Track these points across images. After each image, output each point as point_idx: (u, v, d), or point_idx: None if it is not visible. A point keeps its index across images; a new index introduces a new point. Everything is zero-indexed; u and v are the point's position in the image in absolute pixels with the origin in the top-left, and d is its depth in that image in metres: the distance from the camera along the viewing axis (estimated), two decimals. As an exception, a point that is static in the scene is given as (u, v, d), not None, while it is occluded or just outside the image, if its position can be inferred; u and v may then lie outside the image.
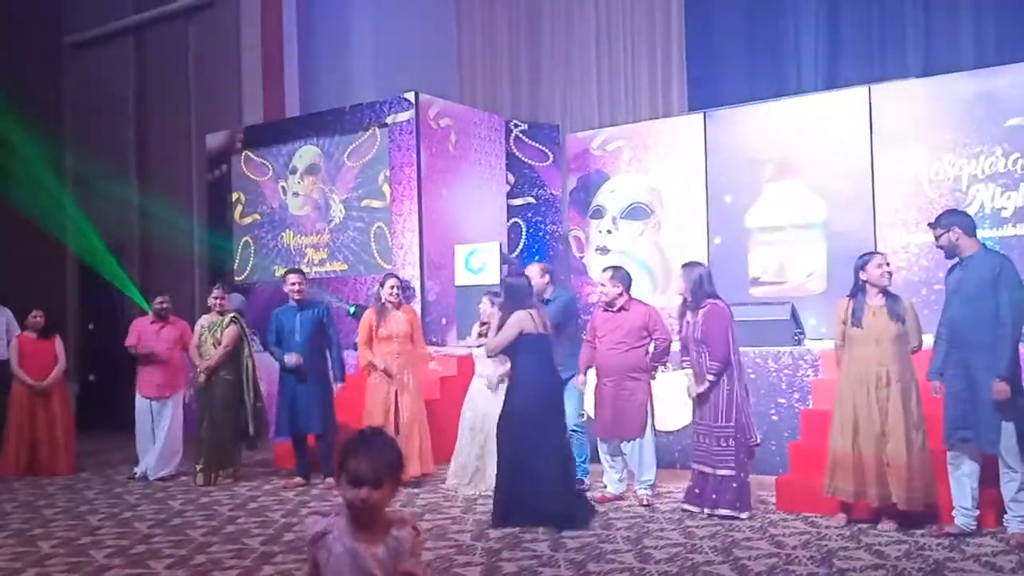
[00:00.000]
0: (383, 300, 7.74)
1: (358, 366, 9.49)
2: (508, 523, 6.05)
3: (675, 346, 6.94)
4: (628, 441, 6.68)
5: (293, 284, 8.03)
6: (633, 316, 6.73)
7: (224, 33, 13.01)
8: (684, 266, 6.53)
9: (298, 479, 7.93)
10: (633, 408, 6.63)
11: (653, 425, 6.76)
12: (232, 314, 8.19)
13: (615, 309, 6.79)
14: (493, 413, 6.63)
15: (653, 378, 6.78)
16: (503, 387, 6.81)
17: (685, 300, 6.41)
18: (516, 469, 6.09)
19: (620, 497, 6.81)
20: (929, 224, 5.81)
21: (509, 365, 6.53)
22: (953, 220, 5.63)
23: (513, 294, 6.31)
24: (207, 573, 5.17)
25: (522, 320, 6.17)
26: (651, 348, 6.73)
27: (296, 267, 9.07)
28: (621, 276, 6.85)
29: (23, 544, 6.04)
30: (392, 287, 7.74)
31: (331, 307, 8.50)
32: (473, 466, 7.26)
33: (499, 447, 6.30)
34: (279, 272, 11.41)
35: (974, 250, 5.56)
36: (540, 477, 6.01)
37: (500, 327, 6.27)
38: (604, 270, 7.00)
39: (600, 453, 6.90)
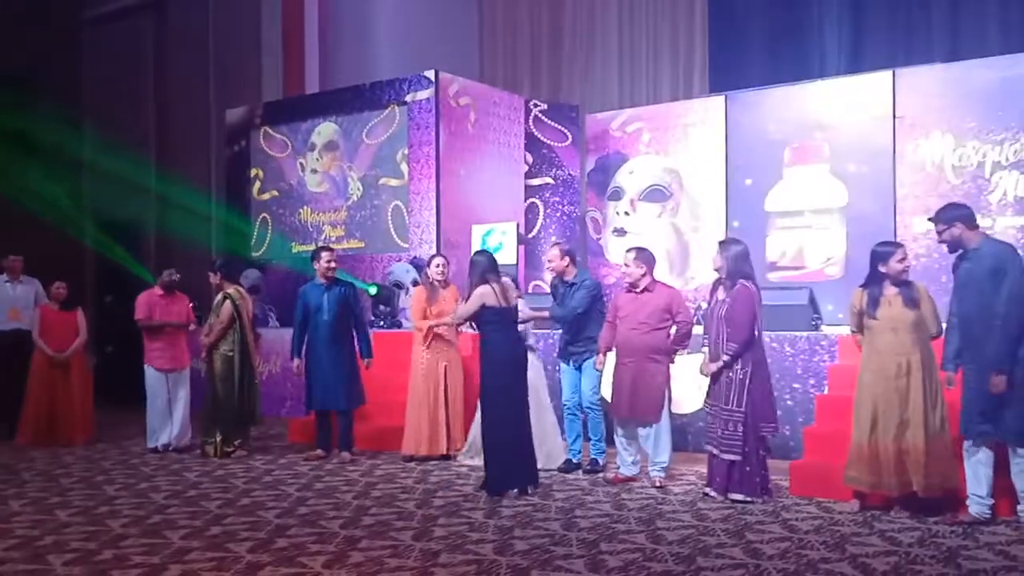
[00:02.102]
0: (431, 279, 7.88)
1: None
2: (502, 490, 6.38)
3: (697, 329, 6.94)
4: (645, 424, 6.68)
5: (330, 262, 7.96)
6: (656, 298, 6.70)
7: (244, 8, 13.00)
8: (721, 243, 6.48)
9: (319, 451, 8.03)
10: (652, 390, 6.62)
11: (670, 408, 6.75)
12: (229, 291, 8.19)
13: (639, 290, 6.76)
14: None
15: (672, 361, 6.76)
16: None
17: (719, 277, 6.36)
18: (500, 436, 6.44)
19: (633, 479, 6.81)
20: (929, 218, 5.76)
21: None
22: (955, 215, 5.57)
23: (476, 269, 6.62)
24: (222, 545, 5.21)
25: (485, 294, 6.47)
26: (673, 331, 6.70)
27: (328, 245, 9.06)
28: (645, 257, 6.81)
29: (41, 512, 6.10)
30: (439, 265, 7.89)
31: (356, 287, 8.51)
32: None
33: (488, 417, 6.58)
34: (296, 249, 11.47)
35: (978, 241, 5.52)
36: (521, 441, 6.43)
37: (468, 299, 6.68)
38: (628, 250, 6.95)
39: (615, 435, 6.89)
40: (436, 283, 7.87)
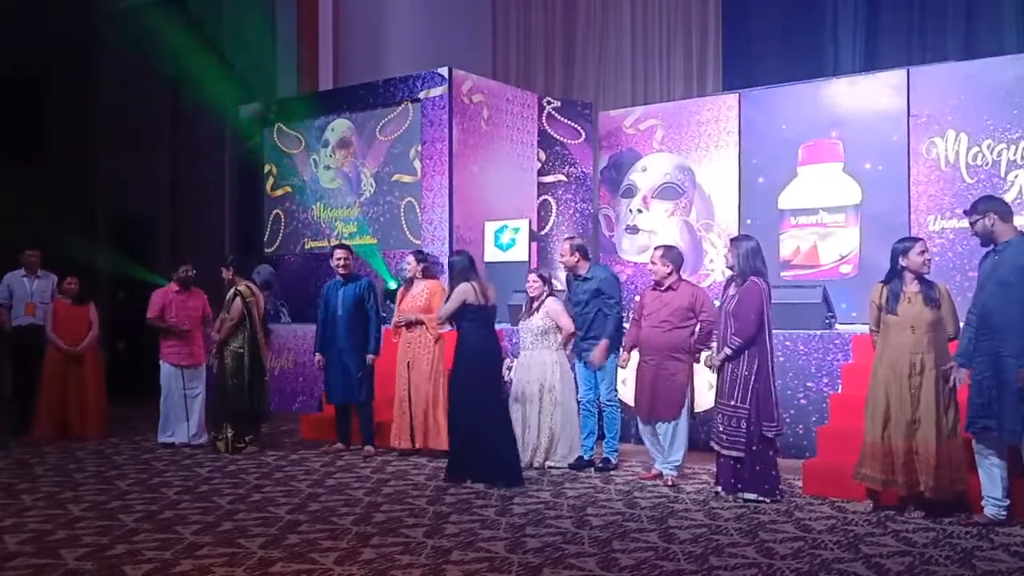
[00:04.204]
0: (410, 275, 8.08)
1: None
2: (456, 479, 6.66)
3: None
4: (665, 422, 6.67)
5: (339, 259, 8.20)
6: (680, 296, 6.69)
7: (259, 5, 13.00)
8: (733, 239, 6.47)
9: (339, 445, 8.19)
10: (672, 389, 6.62)
11: (691, 407, 6.75)
12: (239, 287, 8.19)
13: (663, 288, 6.75)
14: (534, 383, 7.21)
15: (696, 360, 6.74)
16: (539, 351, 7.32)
17: (732, 274, 6.34)
18: (461, 428, 6.68)
19: (662, 475, 6.78)
20: (964, 211, 5.73)
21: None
22: (989, 206, 5.53)
23: (455, 270, 6.87)
24: (233, 540, 5.21)
25: (466, 292, 6.68)
26: (697, 329, 6.68)
27: (343, 243, 9.16)
28: (672, 256, 6.83)
29: (54, 507, 6.11)
30: (409, 262, 8.11)
31: (374, 283, 8.59)
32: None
33: (449, 408, 6.90)
34: (309, 245, 11.50)
35: (1010, 236, 5.46)
36: (481, 436, 6.59)
37: (448, 299, 6.86)
38: (655, 248, 6.96)
39: (642, 434, 6.89)
40: (414, 278, 8.05)
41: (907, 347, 5.67)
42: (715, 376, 6.35)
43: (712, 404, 7.41)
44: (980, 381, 5.42)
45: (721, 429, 6.16)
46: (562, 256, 7.40)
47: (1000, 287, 5.38)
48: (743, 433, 6.05)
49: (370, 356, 8.08)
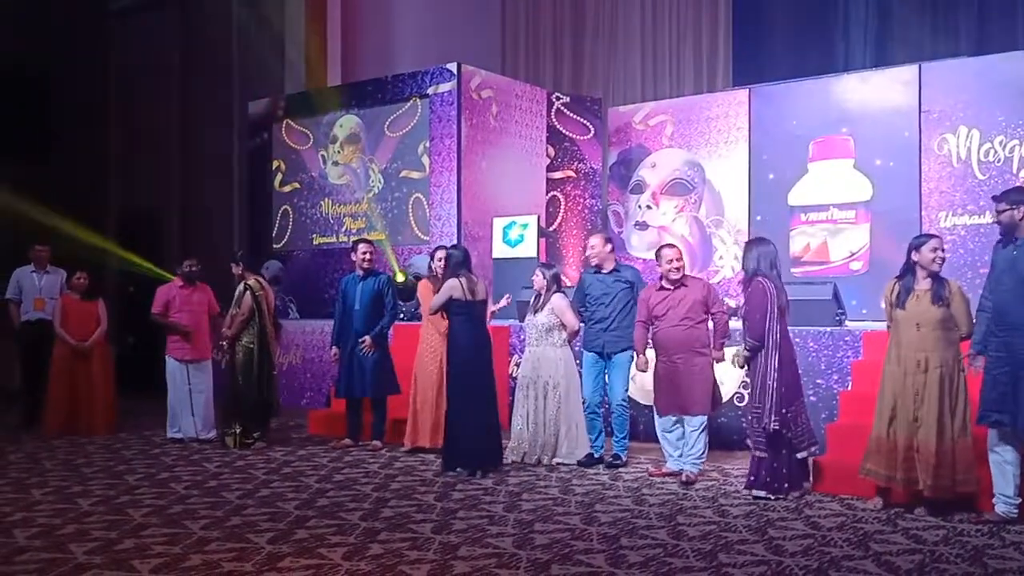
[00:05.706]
0: (434, 271, 7.91)
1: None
2: (451, 468, 6.89)
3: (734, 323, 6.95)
4: (696, 416, 6.65)
5: (363, 254, 8.14)
6: (692, 291, 6.69)
7: (268, 1, 13.01)
8: (745, 243, 6.50)
9: (347, 440, 8.13)
10: (704, 383, 6.62)
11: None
12: (249, 282, 8.18)
13: (673, 287, 6.73)
14: (539, 379, 7.25)
15: (722, 356, 6.71)
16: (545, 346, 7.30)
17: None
18: (455, 418, 6.91)
19: (676, 473, 6.74)
20: (994, 197, 5.69)
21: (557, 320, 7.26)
22: (1021, 199, 5.50)
23: (451, 263, 7.14)
24: (242, 535, 5.21)
25: (453, 287, 6.92)
26: (710, 325, 6.68)
27: (365, 237, 9.13)
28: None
29: (63, 501, 6.12)
30: (441, 258, 7.86)
31: (392, 279, 8.57)
32: (525, 436, 7.33)
33: (447, 398, 7.11)
34: (317, 241, 11.51)
35: None
36: (472, 425, 6.82)
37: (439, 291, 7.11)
38: (669, 247, 6.88)
39: (659, 432, 6.86)
40: (440, 275, 7.84)
41: (913, 344, 5.65)
42: (727, 374, 6.36)
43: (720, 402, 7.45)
44: (996, 376, 5.39)
45: (751, 431, 6.19)
46: (593, 248, 7.30)
47: (1018, 283, 5.35)
48: (761, 432, 6.06)
49: (366, 338, 7.90)
